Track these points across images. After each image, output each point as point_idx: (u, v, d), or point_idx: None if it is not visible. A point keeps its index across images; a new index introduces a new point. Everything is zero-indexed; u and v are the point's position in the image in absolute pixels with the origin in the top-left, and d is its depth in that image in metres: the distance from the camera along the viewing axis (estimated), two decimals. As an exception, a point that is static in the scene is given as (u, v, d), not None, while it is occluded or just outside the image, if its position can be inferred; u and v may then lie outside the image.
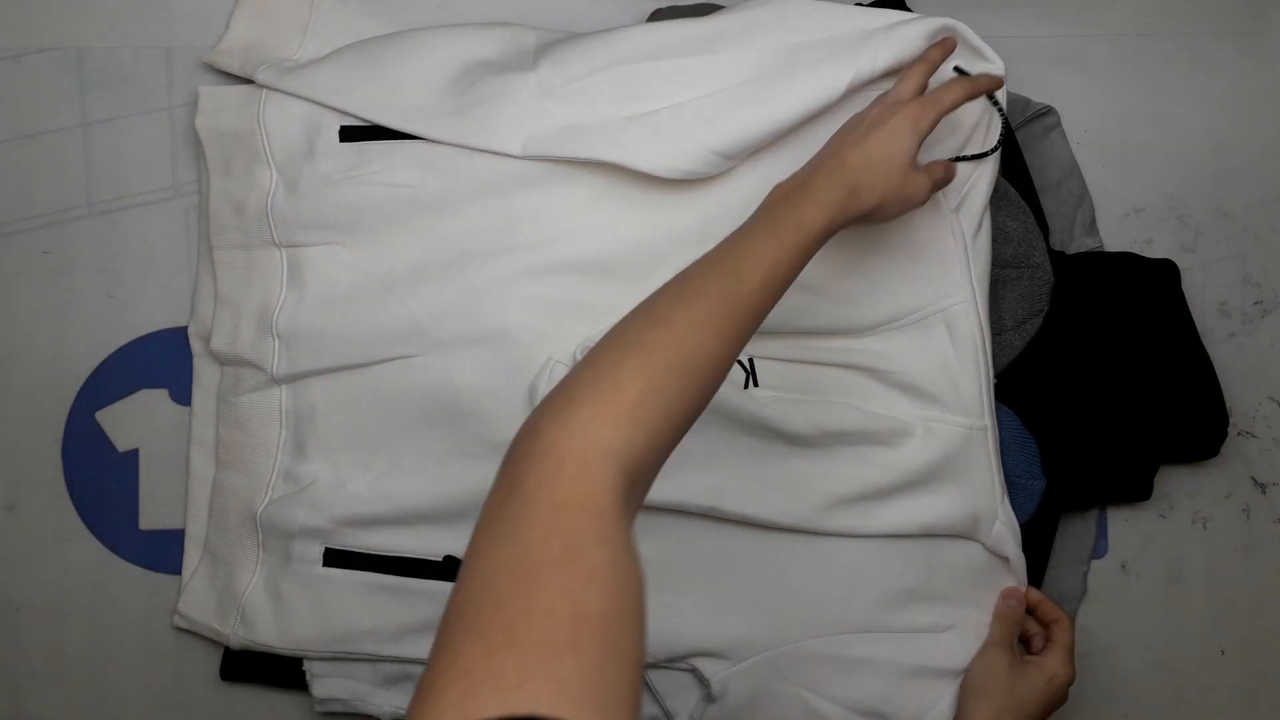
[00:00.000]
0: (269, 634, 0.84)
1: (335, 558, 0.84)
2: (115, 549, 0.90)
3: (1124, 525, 0.93)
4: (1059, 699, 0.80)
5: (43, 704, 0.90)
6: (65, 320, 0.90)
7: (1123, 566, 0.93)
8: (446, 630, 0.43)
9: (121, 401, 0.90)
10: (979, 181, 0.83)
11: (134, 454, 0.90)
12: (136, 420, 0.90)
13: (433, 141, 0.84)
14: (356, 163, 0.84)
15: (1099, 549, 0.92)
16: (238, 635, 0.85)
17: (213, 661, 0.89)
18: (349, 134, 0.85)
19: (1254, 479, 0.94)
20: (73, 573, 0.90)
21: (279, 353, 0.85)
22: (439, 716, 0.39)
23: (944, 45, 0.78)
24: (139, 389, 0.90)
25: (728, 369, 0.59)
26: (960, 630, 0.83)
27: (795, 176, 0.71)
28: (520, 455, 0.50)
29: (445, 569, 0.84)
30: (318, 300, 0.84)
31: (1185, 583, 0.93)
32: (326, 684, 0.85)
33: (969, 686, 0.81)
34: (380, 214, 0.84)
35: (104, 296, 0.90)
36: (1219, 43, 0.94)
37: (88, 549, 0.90)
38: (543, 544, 0.45)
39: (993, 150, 0.82)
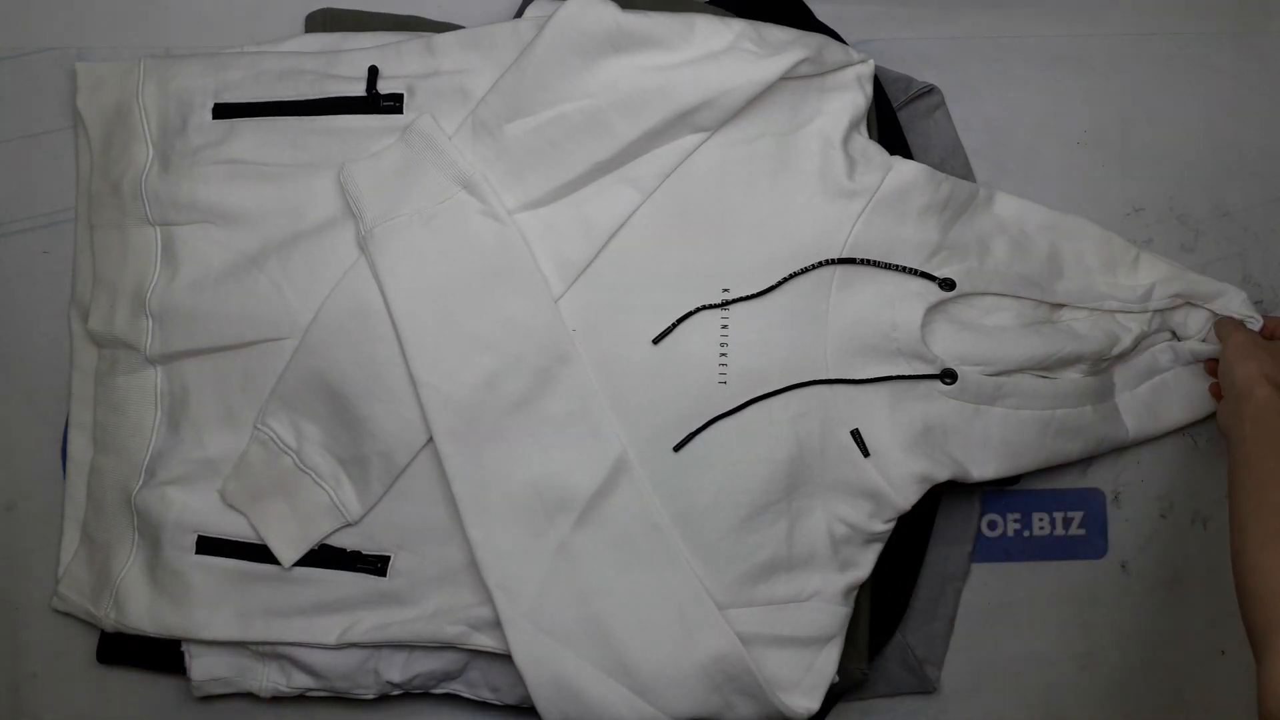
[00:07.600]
0: (140, 618, 0.84)
1: (209, 545, 0.84)
2: (115, 549, 0.90)
3: (1124, 525, 0.93)
4: None
5: (43, 704, 0.90)
6: (65, 320, 0.90)
7: (1123, 566, 0.93)
8: None
9: (121, 401, 0.90)
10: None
11: (134, 454, 0.90)
12: (136, 420, 0.90)
13: (303, 116, 0.84)
14: (228, 138, 0.84)
15: (1098, 548, 0.93)
16: (110, 618, 0.85)
17: (213, 661, 0.89)
18: (222, 111, 0.85)
19: (1254, 479, 0.94)
20: (73, 573, 0.90)
21: (152, 332, 0.84)
22: None
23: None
24: (139, 389, 0.90)
25: None
26: (823, 597, 0.82)
27: None
28: None
29: (318, 556, 0.83)
30: (190, 279, 0.83)
31: (1185, 583, 0.93)
32: (205, 663, 0.85)
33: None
34: (251, 192, 0.83)
35: (104, 296, 0.90)
36: (1219, 43, 0.94)
37: (88, 549, 0.90)
38: None
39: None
